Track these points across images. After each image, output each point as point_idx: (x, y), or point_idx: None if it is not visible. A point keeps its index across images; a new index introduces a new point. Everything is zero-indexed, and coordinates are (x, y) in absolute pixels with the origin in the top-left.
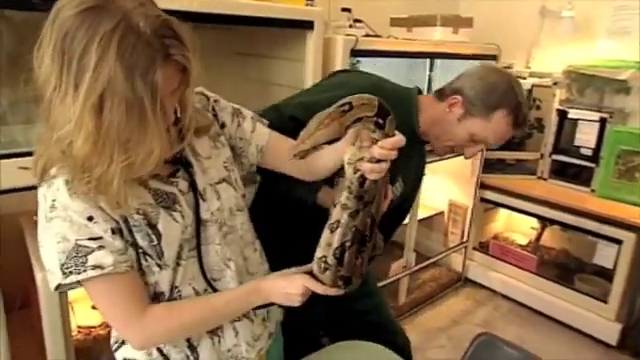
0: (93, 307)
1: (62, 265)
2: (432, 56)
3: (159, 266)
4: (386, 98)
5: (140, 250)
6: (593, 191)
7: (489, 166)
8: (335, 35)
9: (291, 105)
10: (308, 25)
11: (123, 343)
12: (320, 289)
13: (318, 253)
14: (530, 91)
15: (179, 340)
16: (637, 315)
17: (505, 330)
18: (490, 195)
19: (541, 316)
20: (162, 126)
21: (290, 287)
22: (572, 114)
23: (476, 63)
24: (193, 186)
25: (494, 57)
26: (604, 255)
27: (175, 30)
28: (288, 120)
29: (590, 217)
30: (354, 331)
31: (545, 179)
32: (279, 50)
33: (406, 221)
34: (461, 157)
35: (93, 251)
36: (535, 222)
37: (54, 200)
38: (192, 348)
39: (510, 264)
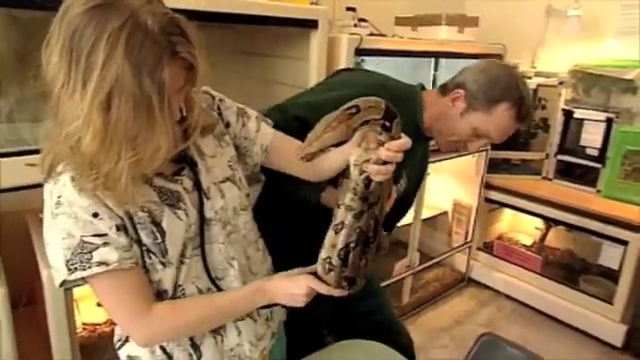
0: (98, 304)
1: (67, 261)
2: (437, 55)
3: (163, 264)
4: (391, 96)
5: (144, 247)
6: (599, 192)
7: (494, 166)
8: (339, 34)
9: (296, 105)
10: (312, 24)
11: (127, 340)
12: (324, 290)
13: (322, 254)
14: (535, 91)
15: (183, 338)
16: None
17: (509, 330)
18: (495, 195)
19: (545, 317)
20: (169, 123)
21: (294, 288)
22: (578, 114)
23: None
24: (197, 185)
25: (499, 56)
26: (609, 256)
27: (182, 28)
28: (292, 120)
29: (595, 218)
30: (358, 331)
31: (550, 179)
32: (283, 49)
33: (410, 221)
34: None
35: (98, 247)
36: (540, 222)
37: (60, 196)
38: (195, 347)
39: (514, 264)
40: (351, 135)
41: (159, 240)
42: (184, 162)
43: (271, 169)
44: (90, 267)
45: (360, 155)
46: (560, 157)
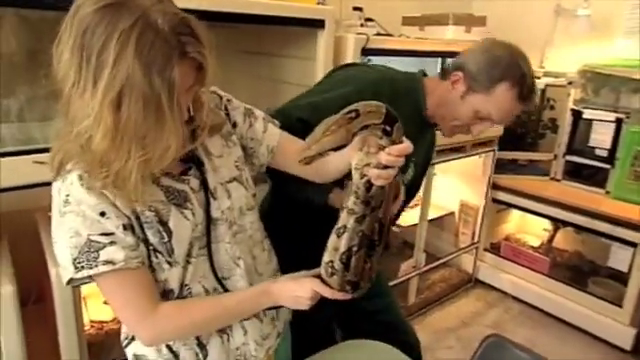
0: (105, 302)
1: (74, 260)
2: (444, 55)
3: (169, 263)
4: (393, 88)
5: (151, 247)
6: (608, 193)
7: (501, 166)
8: (346, 34)
9: (298, 107)
10: (319, 24)
11: (133, 339)
12: (328, 293)
13: (325, 257)
14: (544, 91)
15: (189, 338)
16: None
17: (516, 332)
18: (502, 196)
19: (553, 319)
20: (179, 122)
21: (299, 290)
22: (587, 114)
23: None
24: (204, 184)
25: None
26: (619, 258)
27: (192, 28)
28: (296, 122)
29: (604, 219)
30: (365, 330)
31: (558, 180)
32: (290, 49)
33: (416, 221)
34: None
35: (105, 246)
36: (548, 224)
37: (68, 195)
38: (201, 346)
39: (522, 266)
40: (351, 139)
41: (166, 239)
42: (191, 162)
43: (278, 170)
44: (97, 266)
45: (361, 159)
46: (569, 158)
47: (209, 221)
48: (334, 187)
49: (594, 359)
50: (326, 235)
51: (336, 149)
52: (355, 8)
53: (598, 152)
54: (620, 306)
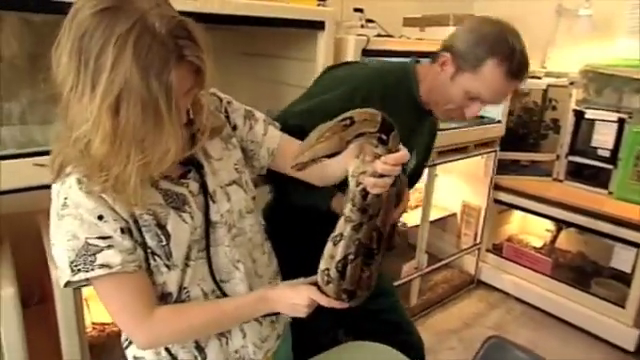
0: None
1: (71, 263)
2: None
3: (167, 266)
4: (386, 82)
5: (149, 250)
6: (610, 193)
7: (503, 167)
8: (346, 35)
9: (292, 115)
10: (319, 25)
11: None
12: (325, 302)
13: (322, 265)
14: (546, 91)
15: (187, 342)
16: None
17: (518, 333)
18: (504, 197)
19: (556, 320)
20: (177, 126)
21: (296, 298)
22: (589, 114)
23: None
24: (204, 187)
25: None
26: (622, 259)
27: (190, 31)
28: (293, 128)
29: (607, 220)
30: (369, 329)
31: (561, 181)
32: (290, 50)
33: (418, 222)
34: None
35: (102, 250)
36: (550, 224)
37: (66, 198)
38: (200, 349)
39: (524, 267)
40: (345, 147)
41: (164, 243)
42: (190, 165)
43: (279, 174)
44: (93, 269)
45: (357, 166)
46: (571, 158)
47: (208, 224)
48: (337, 191)
49: None
50: (327, 238)
51: (330, 156)
52: (356, 9)
53: (600, 152)
54: (623, 307)
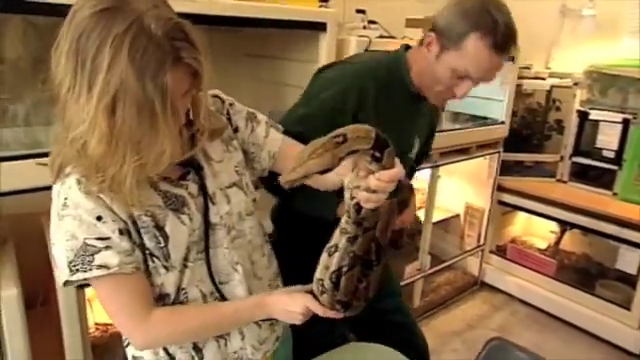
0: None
1: (70, 262)
2: None
3: (165, 268)
4: (377, 76)
5: (147, 251)
6: (615, 194)
7: (507, 168)
8: (348, 36)
9: (289, 123)
10: (321, 27)
11: None
12: (320, 311)
13: (317, 274)
14: (549, 92)
15: (185, 342)
16: None
17: (522, 335)
18: (508, 198)
19: (560, 322)
20: (173, 127)
21: (292, 305)
22: (593, 115)
23: None
24: (203, 189)
25: (511, 57)
26: (627, 260)
27: (187, 33)
28: (295, 135)
29: (612, 221)
30: (375, 330)
31: (565, 182)
32: (293, 51)
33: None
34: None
35: (100, 251)
36: (555, 226)
37: (66, 198)
38: (197, 349)
39: (528, 268)
40: (337, 164)
41: (162, 244)
42: (190, 166)
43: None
44: (91, 269)
45: (352, 180)
46: (575, 159)
47: (207, 226)
48: (341, 200)
49: None
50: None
51: (322, 172)
52: (358, 11)
53: (605, 153)
54: (628, 309)
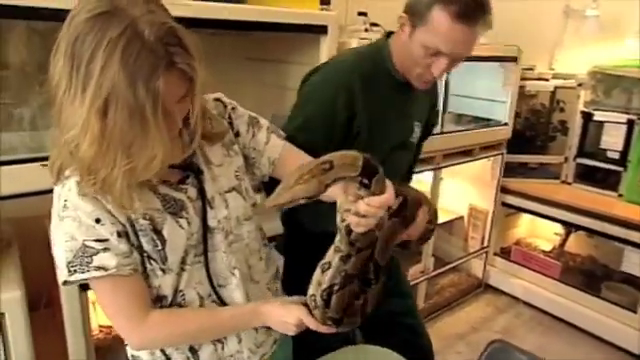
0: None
1: (68, 263)
2: None
3: (163, 270)
4: (362, 70)
5: (145, 254)
6: (620, 196)
7: (510, 170)
8: (349, 39)
9: (291, 131)
10: (322, 30)
11: None
12: (313, 325)
13: (310, 290)
14: (553, 93)
15: (182, 345)
16: None
17: (526, 338)
18: (512, 200)
19: (565, 324)
20: (165, 133)
21: (287, 316)
22: (598, 116)
23: (495, 65)
24: (202, 193)
25: (514, 59)
26: (632, 262)
27: (180, 38)
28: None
29: (617, 223)
30: (383, 331)
31: (569, 183)
32: (294, 55)
33: None
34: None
35: (98, 252)
36: (559, 228)
37: (66, 200)
38: (193, 351)
39: (533, 270)
40: (324, 190)
41: (159, 247)
42: (190, 170)
43: None
44: (89, 270)
45: (342, 202)
46: (579, 160)
47: (206, 230)
48: None
49: None
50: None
51: (309, 198)
52: (360, 13)
53: (610, 154)
54: (634, 311)
